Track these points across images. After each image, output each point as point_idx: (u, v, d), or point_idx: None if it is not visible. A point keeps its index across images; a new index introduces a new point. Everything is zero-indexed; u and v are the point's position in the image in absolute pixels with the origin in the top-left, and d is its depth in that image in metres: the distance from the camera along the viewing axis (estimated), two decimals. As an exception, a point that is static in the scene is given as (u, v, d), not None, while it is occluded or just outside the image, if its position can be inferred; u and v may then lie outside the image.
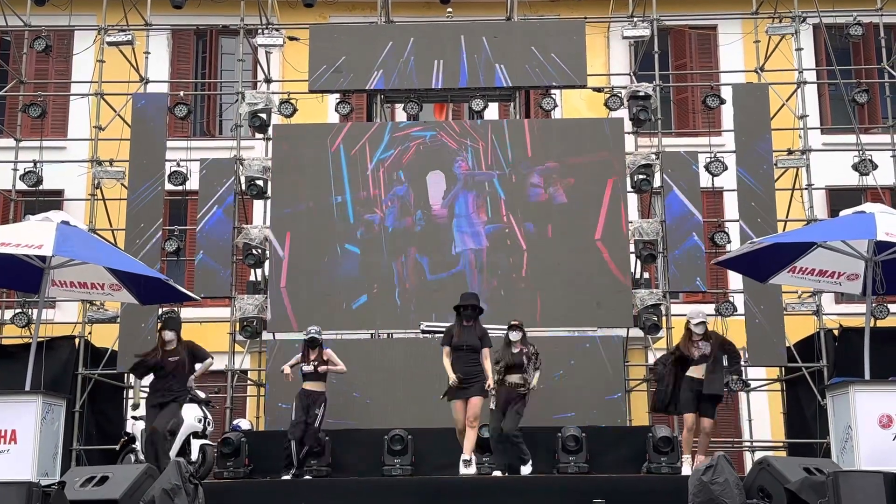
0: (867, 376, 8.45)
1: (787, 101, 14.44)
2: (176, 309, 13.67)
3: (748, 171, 13.48)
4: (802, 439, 13.28)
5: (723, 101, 14.27)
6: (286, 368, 10.45)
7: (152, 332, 13.22)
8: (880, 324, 13.09)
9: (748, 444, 15.19)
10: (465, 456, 9.43)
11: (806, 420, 13.42)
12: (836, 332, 13.41)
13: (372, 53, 14.07)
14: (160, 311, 13.43)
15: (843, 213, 9.13)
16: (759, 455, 12.42)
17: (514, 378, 9.88)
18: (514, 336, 9.99)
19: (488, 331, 9.99)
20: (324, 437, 10.64)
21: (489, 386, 9.51)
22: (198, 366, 10.15)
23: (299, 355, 10.51)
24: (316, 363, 10.19)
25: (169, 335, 9.99)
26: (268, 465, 10.89)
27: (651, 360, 14.48)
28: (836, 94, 18.39)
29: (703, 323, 9.96)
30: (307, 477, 10.24)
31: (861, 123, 15.53)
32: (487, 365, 9.56)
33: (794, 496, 6.46)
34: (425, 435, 10.98)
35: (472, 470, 9.39)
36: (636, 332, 13.89)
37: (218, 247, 13.57)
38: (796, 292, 13.90)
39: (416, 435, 10.83)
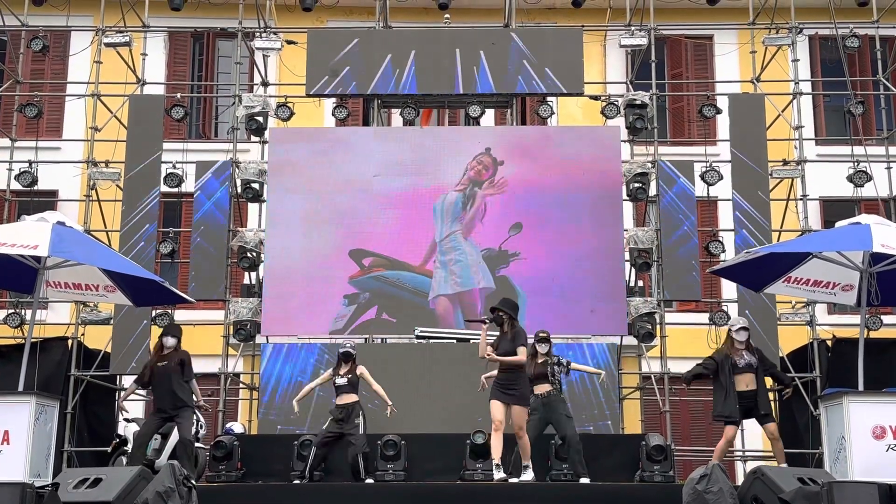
0: (861, 387, 8.48)
1: (782, 111, 14.49)
2: (170, 311, 13.64)
3: (743, 181, 13.52)
4: (795, 449, 13.29)
5: (719, 111, 14.31)
6: (295, 406, 10.38)
7: (145, 334, 13.22)
8: (874, 335, 13.11)
9: (740, 453, 15.20)
10: (496, 461, 9.33)
11: (798, 431, 13.43)
12: (829, 343, 13.44)
13: (370, 58, 14.10)
14: (153, 314, 13.41)
15: (838, 224, 9.17)
16: (751, 465, 12.45)
17: (542, 388, 9.76)
18: (542, 348, 9.93)
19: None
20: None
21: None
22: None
23: (329, 371, 10.38)
24: (349, 376, 10.07)
25: (170, 341, 9.91)
26: (260, 469, 10.85)
27: (645, 368, 14.51)
28: (830, 106, 18.49)
29: (744, 329, 9.58)
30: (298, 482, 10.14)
31: (856, 135, 15.58)
32: (513, 359, 9.21)
33: (788, 506, 6.47)
34: (418, 440, 10.95)
35: (502, 475, 9.30)
36: (630, 340, 13.91)
37: (212, 250, 13.56)
38: (790, 302, 13.94)
39: (410, 440, 10.80)
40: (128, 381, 14.81)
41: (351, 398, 10.03)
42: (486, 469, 10.05)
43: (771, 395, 10.55)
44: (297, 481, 9.92)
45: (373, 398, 10.55)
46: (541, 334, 10.00)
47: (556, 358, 10.09)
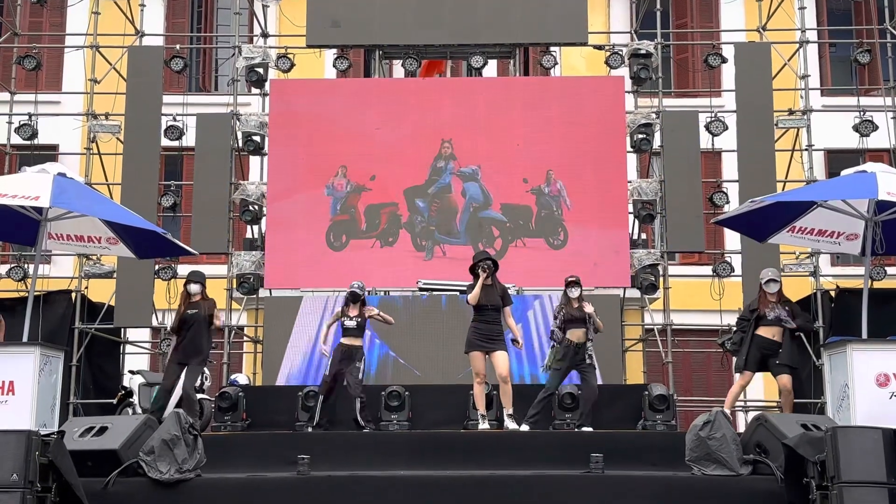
0: (864, 336, 8.47)
1: (788, 60, 14.34)
2: (173, 265, 13.64)
3: (748, 131, 13.40)
4: (797, 399, 13.34)
5: (724, 60, 14.16)
6: (325, 350, 10.40)
7: (149, 287, 13.23)
8: (877, 285, 13.12)
9: (742, 403, 15.27)
10: (481, 411, 9.42)
11: (801, 380, 13.46)
12: (832, 294, 13.44)
13: (370, 8, 13.91)
14: (156, 267, 13.40)
15: (844, 172, 9.08)
16: (753, 415, 12.50)
17: (578, 333, 9.70)
18: (574, 292, 9.82)
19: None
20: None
21: (518, 343, 9.48)
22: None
23: (338, 310, 10.40)
24: (359, 318, 10.13)
25: (195, 288, 9.91)
26: (265, 420, 10.91)
27: (647, 320, 14.53)
28: (836, 56, 18.29)
29: (774, 281, 9.51)
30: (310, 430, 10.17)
31: (861, 85, 15.44)
32: (511, 322, 9.52)
33: (791, 452, 6.47)
34: (422, 391, 11.01)
35: (487, 425, 9.39)
36: (633, 293, 13.90)
37: (214, 203, 13.52)
38: (794, 253, 13.92)
39: (413, 391, 10.85)
40: (132, 333, 14.90)
41: (355, 341, 10.10)
42: (490, 419, 10.10)
43: None
44: (309, 429, 9.95)
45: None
46: (570, 279, 9.91)
47: (588, 303, 9.98)
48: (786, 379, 9.45)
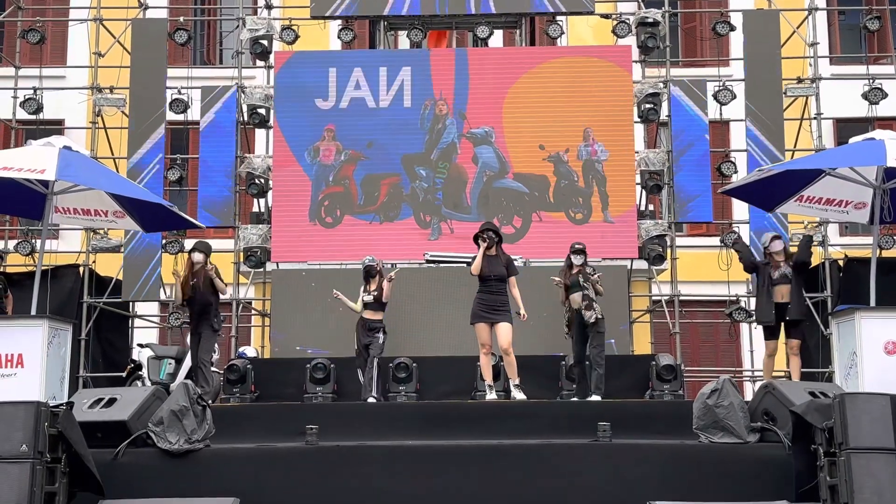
0: (873, 304, 8.44)
1: (797, 28, 14.21)
2: (180, 238, 13.65)
3: (757, 100, 13.30)
4: (804, 368, 13.33)
5: (732, 28, 14.02)
6: (338, 294, 10.55)
7: (156, 261, 13.25)
8: (885, 254, 13.04)
9: (749, 373, 15.29)
10: (488, 382, 9.48)
11: (808, 350, 13.45)
12: (840, 263, 13.39)
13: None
14: (163, 241, 13.41)
15: (852, 140, 9.03)
16: (760, 384, 12.49)
17: (576, 298, 9.71)
18: (577, 260, 9.88)
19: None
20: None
21: (523, 316, 9.49)
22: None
23: (361, 289, 10.51)
24: (375, 293, 10.22)
25: (198, 257, 9.98)
26: (274, 392, 10.97)
27: (655, 292, 14.51)
28: (845, 24, 18.13)
29: (777, 238, 9.68)
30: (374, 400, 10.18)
31: (870, 53, 15.29)
32: (516, 293, 9.55)
33: (799, 419, 6.47)
34: (430, 363, 11.04)
35: (494, 396, 9.45)
36: (640, 265, 13.86)
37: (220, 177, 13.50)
38: (802, 223, 13.86)
39: (421, 363, 10.89)
40: (140, 307, 14.94)
41: (376, 315, 10.24)
42: (497, 390, 10.14)
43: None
44: (371, 399, 9.94)
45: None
46: (576, 246, 9.98)
47: (593, 269, 10.00)
48: (795, 343, 9.56)
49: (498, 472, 6.97)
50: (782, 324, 9.80)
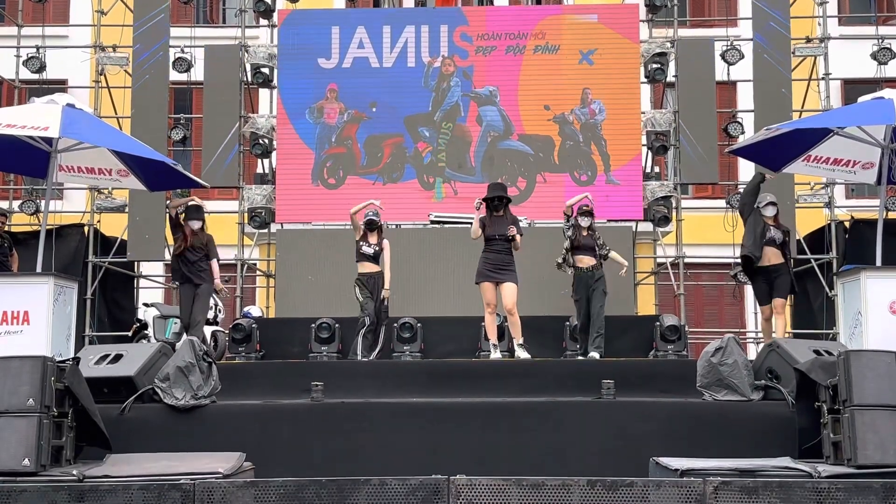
0: (879, 264, 8.41)
1: (806, -13, 14.07)
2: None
3: (765, 59, 13.17)
4: (809, 330, 13.36)
5: (741, -13, 13.88)
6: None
7: (161, 220, 13.22)
8: (892, 216, 13.01)
9: (753, 335, 15.31)
10: (493, 341, 9.49)
11: (813, 312, 13.48)
12: (847, 225, 13.35)
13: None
14: (167, 202, 13.37)
15: (861, 99, 8.95)
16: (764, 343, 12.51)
17: (585, 259, 9.84)
18: (585, 222, 9.91)
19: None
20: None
21: (516, 236, 9.37)
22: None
23: (362, 228, 10.33)
24: (376, 247, 10.17)
25: (196, 224, 9.93)
26: (279, 351, 11.00)
27: (659, 253, 14.49)
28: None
29: (772, 204, 9.58)
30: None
31: (880, 13, 15.13)
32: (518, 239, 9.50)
33: (803, 377, 6.46)
34: (434, 323, 11.06)
35: (499, 355, 9.47)
36: (645, 227, 13.83)
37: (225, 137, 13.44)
38: (808, 184, 13.80)
39: (425, 323, 10.90)
40: (146, 267, 14.95)
41: (375, 268, 10.15)
42: (502, 350, 10.16)
43: None
44: (364, 358, 9.97)
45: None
46: (584, 207, 9.97)
47: (600, 236, 10.06)
48: (780, 302, 9.55)
49: (502, 430, 6.99)
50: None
